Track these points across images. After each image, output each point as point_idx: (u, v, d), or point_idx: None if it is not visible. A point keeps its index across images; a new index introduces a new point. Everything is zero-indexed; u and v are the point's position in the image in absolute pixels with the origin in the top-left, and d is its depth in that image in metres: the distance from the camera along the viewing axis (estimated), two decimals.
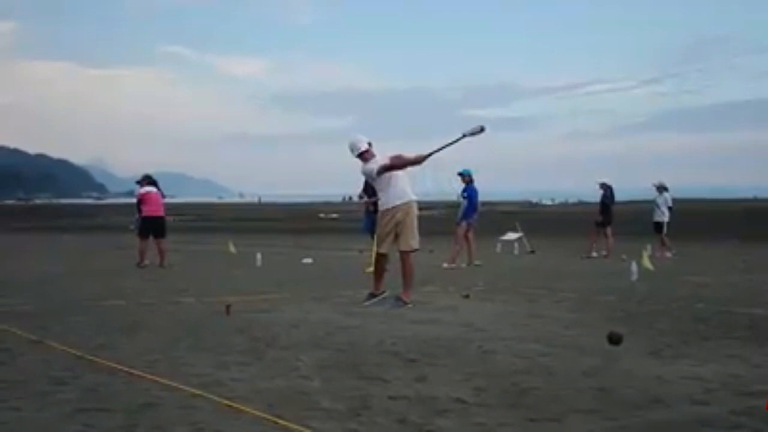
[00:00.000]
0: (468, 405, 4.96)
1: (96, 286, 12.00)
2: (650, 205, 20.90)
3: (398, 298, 9.65)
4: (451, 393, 5.23)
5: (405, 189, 9.81)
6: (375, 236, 10.44)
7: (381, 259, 10.02)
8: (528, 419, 4.65)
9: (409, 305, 9.48)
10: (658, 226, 19.72)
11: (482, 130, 9.76)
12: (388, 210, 9.77)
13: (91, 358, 6.41)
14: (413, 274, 9.91)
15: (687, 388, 5.35)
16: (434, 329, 7.86)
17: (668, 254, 18.85)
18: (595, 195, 20.75)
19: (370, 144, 10.15)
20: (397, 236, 9.75)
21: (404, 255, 9.82)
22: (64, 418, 4.70)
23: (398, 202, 9.73)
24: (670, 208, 19.92)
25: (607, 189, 19.63)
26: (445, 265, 15.62)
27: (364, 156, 10.01)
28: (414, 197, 9.87)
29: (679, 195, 21.83)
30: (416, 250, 9.91)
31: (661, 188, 20.08)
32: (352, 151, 10.03)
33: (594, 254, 18.70)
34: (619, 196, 20.22)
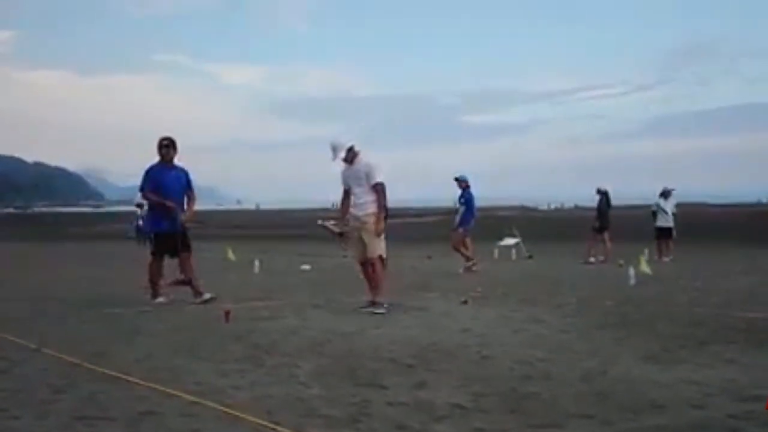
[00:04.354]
0: (467, 410, 4.97)
1: (94, 293, 11.99)
2: (646, 210, 20.97)
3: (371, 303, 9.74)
4: (450, 399, 5.24)
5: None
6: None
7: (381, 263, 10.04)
8: (527, 425, 4.66)
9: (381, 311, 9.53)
10: (666, 231, 19.77)
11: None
12: (368, 215, 9.82)
13: (89, 365, 6.40)
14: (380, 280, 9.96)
15: (685, 393, 5.36)
16: (433, 335, 7.86)
17: (666, 259, 18.89)
18: (591, 200, 20.85)
19: None
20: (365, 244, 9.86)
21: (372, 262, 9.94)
22: (64, 427, 4.70)
23: (371, 210, 9.82)
24: (674, 214, 20.04)
25: (603, 195, 19.70)
26: (461, 270, 15.71)
27: (354, 155, 9.88)
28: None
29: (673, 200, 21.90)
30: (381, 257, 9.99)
31: (666, 193, 20.21)
32: (336, 149, 9.85)
33: (592, 259, 18.73)
34: (614, 201, 20.29)
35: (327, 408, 5.04)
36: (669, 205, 20.04)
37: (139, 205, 36.19)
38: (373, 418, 4.82)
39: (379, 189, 9.83)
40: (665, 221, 19.88)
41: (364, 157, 9.95)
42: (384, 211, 9.90)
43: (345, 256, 18.94)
